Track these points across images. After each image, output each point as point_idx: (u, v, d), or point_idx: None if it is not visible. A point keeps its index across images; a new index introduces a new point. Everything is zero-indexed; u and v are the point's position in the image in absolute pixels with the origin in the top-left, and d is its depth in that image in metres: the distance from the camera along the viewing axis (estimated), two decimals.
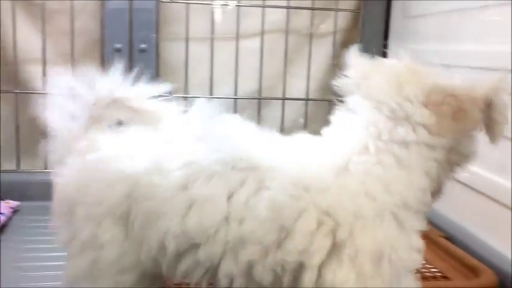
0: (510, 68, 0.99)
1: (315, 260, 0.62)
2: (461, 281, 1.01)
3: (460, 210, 1.21)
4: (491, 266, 1.04)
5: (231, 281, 0.65)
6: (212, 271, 0.66)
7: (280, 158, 0.66)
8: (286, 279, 0.64)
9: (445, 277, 1.03)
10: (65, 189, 0.73)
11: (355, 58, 0.73)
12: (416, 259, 0.65)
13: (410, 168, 0.65)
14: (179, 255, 0.67)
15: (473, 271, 1.03)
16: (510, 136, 0.99)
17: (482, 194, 1.12)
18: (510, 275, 1.00)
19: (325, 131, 0.71)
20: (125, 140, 0.74)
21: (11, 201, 1.39)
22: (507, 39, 1.04)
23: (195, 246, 0.65)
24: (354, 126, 0.68)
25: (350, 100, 0.70)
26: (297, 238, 0.62)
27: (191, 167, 0.66)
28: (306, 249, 0.62)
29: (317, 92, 1.74)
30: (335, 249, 0.62)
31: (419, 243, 0.65)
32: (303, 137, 0.71)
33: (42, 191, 1.45)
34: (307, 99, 1.69)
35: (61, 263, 1.09)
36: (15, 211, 1.38)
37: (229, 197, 0.64)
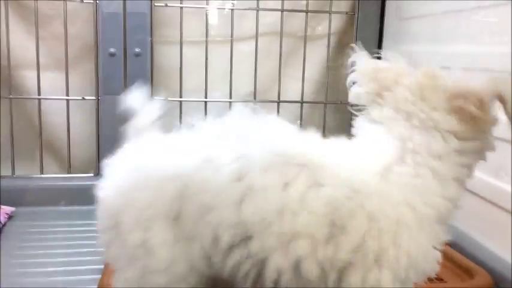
0: (510, 69, 0.99)
1: (367, 261, 0.63)
2: (456, 283, 1.02)
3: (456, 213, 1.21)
4: (487, 268, 1.03)
5: (279, 276, 0.64)
6: (260, 266, 0.65)
7: (327, 158, 0.67)
8: (332, 278, 0.64)
9: (440, 279, 1.03)
10: (110, 199, 0.71)
11: (367, 64, 0.73)
12: (436, 269, 0.68)
13: (444, 179, 0.67)
14: (231, 248, 0.65)
15: (469, 273, 1.03)
16: (510, 139, 0.99)
17: (480, 197, 1.12)
18: (506, 277, 1.01)
19: (355, 140, 0.72)
20: (170, 142, 0.73)
21: (6, 207, 1.38)
22: (506, 40, 1.04)
23: (247, 238, 0.65)
24: (387, 139, 0.69)
25: (376, 112, 0.71)
26: (352, 237, 0.63)
27: (244, 160, 0.66)
28: (360, 249, 0.63)
29: (313, 94, 1.74)
30: (379, 253, 0.64)
31: (440, 254, 0.68)
32: (339, 142, 0.72)
33: (37, 197, 1.48)
34: (302, 102, 1.69)
35: (57, 268, 1.11)
36: (10, 217, 1.38)
37: (284, 188, 0.64)
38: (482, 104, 0.65)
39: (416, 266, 0.65)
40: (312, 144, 0.70)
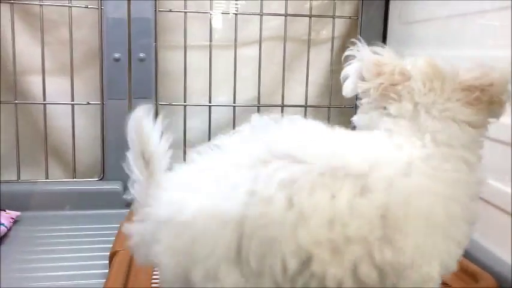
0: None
1: (424, 258, 0.64)
2: (461, 287, 1.01)
3: None
4: (491, 272, 1.03)
5: (340, 285, 0.64)
6: (323, 281, 0.64)
7: (367, 162, 0.66)
8: (391, 280, 0.64)
9: (444, 284, 1.02)
10: (172, 265, 0.66)
11: (368, 58, 0.74)
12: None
13: (472, 166, 0.70)
14: (297, 273, 0.64)
15: (473, 277, 1.02)
16: (510, 141, 1.00)
17: (484, 200, 1.12)
18: (510, 281, 1.00)
19: (379, 134, 0.72)
20: (202, 181, 0.68)
21: (11, 212, 1.39)
22: (507, 44, 1.04)
23: (308, 260, 0.63)
24: (413, 133, 0.70)
25: (395, 107, 0.71)
26: (412, 239, 0.63)
27: (290, 184, 0.63)
28: (419, 249, 0.64)
29: (317, 98, 1.74)
30: (433, 248, 0.65)
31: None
32: (368, 136, 0.72)
33: (42, 201, 1.49)
34: (306, 106, 1.69)
35: (61, 273, 1.11)
36: (15, 221, 1.38)
37: (332, 200, 0.63)
38: (498, 91, 0.69)
39: (460, 255, 0.68)
40: (345, 144, 0.69)
